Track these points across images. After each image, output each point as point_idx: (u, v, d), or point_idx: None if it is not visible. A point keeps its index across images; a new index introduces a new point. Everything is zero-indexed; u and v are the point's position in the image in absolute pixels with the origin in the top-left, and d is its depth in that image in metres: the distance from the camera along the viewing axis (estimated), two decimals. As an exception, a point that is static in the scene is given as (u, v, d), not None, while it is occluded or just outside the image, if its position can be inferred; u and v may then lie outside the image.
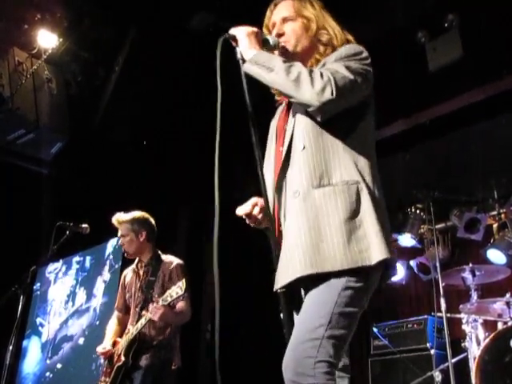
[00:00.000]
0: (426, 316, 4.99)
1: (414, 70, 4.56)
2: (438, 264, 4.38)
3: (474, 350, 4.09)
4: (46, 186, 6.14)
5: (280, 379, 1.65)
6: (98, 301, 6.42)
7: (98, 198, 6.32)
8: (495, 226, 5.48)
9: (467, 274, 4.45)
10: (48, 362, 6.73)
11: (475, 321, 4.22)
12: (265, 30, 2.05)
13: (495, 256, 5.16)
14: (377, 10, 4.77)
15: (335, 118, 1.75)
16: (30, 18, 4.79)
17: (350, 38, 2.00)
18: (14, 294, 3.45)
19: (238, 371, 6.09)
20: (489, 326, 4.27)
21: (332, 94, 1.67)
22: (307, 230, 1.67)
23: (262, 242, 1.90)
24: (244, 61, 1.85)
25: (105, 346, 3.55)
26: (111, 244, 6.56)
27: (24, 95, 5.01)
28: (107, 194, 6.30)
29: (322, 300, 1.62)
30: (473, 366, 3.98)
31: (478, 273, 4.44)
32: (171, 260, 3.63)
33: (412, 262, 5.88)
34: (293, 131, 1.83)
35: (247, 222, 2.00)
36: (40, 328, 7.12)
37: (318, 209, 1.68)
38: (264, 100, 1.93)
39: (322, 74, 1.70)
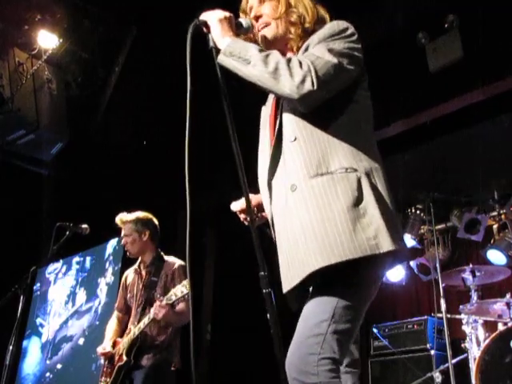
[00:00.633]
0: (426, 317, 4.98)
1: (414, 71, 4.56)
2: (438, 265, 4.38)
3: (474, 351, 4.08)
4: (46, 187, 6.14)
5: (275, 379, 1.64)
6: (100, 302, 6.42)
7: (97, 198, 6.33)
8: (495, 226, 5.47)
9: (467, 275, 4.45)
10: (48, 362, 6.73)
11: (475, 321, 4.22)
12: (241, 15, 1.92)
13: (495, 257, 5.15)
14: (377, 11, 4.77)
15: (325, 105, 1.63)
16: (31, 19, 4.80)
17: (323, 13, 1.87)
18: (14, 294, 3.45)
19: (233, 369, 6.09)
20: (489, 326, 4.27)
21: (313, 85, 1.55)
22: (309, 222, 1.57)
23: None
24: (217, 49, 1.73)
25: (105, 346, 3.55)
26: (111, 244, 6.56)
27: (24, 96, 5.01)
28: (107, 194, 6.30)
29: (325, 295, 1.56)
30: (473, 366, 3.97)
31: (478, 273, 4.44)
32: (173, 261, 3.64)
33: (412, 263, 5.87)
34: (281, 121, 1.71)
35: (241, 218, 1.94)
36: (40, 328, 7.11)
37: (318, 199, 1.57)
38: (243, 86, 1.77)
39: (301, 64, 1.57)
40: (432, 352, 4.65)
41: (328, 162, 1.61)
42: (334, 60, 1.60)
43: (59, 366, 6.56)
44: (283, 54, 1.74)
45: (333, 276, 1.56)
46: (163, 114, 5.78)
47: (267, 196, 1.77)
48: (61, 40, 4.97)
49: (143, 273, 3.65)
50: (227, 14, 1.76)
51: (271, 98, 1.91)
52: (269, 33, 1.83)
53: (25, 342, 7.14)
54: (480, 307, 4.32)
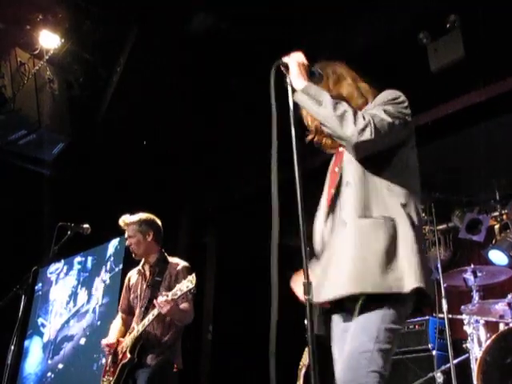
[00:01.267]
0: (427, 317, 4.97)
1: (416, 71, 4.56)
2: (439, 265, 4.38)
3: (476, 351, 4.08)
4: (47, 187, 6.15)
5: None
6: (96, 301, 6.42)
7: (99, 198, 6.33)
8: (497, 226, 5.46)
9: (469, 275, 4.44)
10: (49, 362, 6.73)
11: (477, 322, 4.21)
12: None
13: (497, 257, 5.14)
14: (378, 11, 4.77)
15: (377, 157, 1.94)
16: (32, 19, 4.80)
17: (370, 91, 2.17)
18: (15, 294, 3.45)
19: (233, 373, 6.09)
20: (490, 327, 4.26)
21: (371, 134, 1.85)
22: (353, 256, 1.85)
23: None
24: (292, 87, 1.97)
25: (109, 338, 3.56)
26: (113, 244, 6.57)
27: (26, 96, 5.02)
28: (109, 194, 6.30)
29: (372, 318, 1.84)
30: (474, 367, 3.97)
31: (479, 274, 4.43)
32: (178, 262, 3.64)
33: (413, 263, 5.87)
34: (341, 172, 2.02)
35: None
36: (41, 328, 7.12)
37: (363, 238, 1.87)
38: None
39: (363, 116, 1.88)
40: (433, 352, 4.64)
41: (372, 208, 1.91)
42: (389, 119, 1.92)
43: (61, 366, 6.56)
44: None
45: (375, 304, 1.84)
46: (164, 114, 5.78)
47: (322, 221, 2.07)
48: (62, 40, 4.98)
49: (147, 273, 3.66)
50: (305, 60, 2.05)
51: (332, 161, 2.22)
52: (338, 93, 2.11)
53: (26, 342, 7.15)
54: (481, 307, 4.32)
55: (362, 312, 1.87)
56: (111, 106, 5.50)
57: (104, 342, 3.56)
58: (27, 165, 5.94)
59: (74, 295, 6.91)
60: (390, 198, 1.93)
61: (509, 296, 4.18)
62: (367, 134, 1.85)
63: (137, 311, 3.57)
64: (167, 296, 3.22)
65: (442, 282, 4.27)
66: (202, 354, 6.12)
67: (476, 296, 4.37)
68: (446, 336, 4.20)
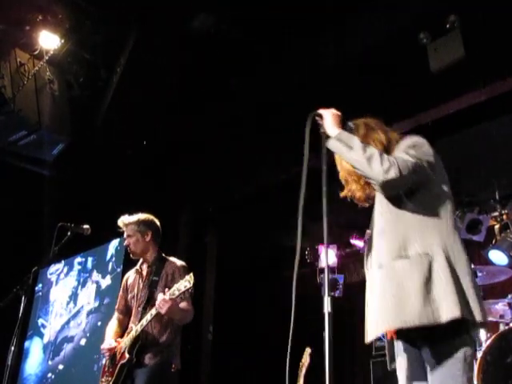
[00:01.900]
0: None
1: (416, 71, 4.56)
2: (439, 265, 4.36)
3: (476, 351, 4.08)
4: (47, 187, 6.15)
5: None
6: (102, 302, 6.43)
7: (99, 198, 6.33)
8: (497, 227, 5.46)
9: (469, 275, 4.44)
10: (50, 362, 6.74)
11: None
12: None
13: (497, 257, 5.14)
14: (379, 11, 4.77)
15: (407, 197, 2.14)
16: (32, 20, 4.80)
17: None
18: (15, 295, 3.45)
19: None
20: (491, 327, 4.26)
21: (396, 173, 2.05)
22: (392, 295, 2.03)
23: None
24: (326, 135, 2.21)
25: (109, 342, 3.56)
26: (113, 245, 6.57)
27: (26, 96, 5.02)
28: (109, 194, 6.31)
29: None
30: (475, 367, 3.97)
31: (479, 274, 4.44)
32: (174, 261, 3.66)
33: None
34: (373, 216, 2.23)
35: None
36: (42, 329, 7.12)
37: (400, 278, 2.04)
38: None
39: (389, 158, 2.09)
40: (434, 352, 4.64)
41: (406, 247, 2.09)
42: (411, 160, 2.12)
43: (61, 367, 6.57)
44: None
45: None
46: (164, 114, 5.79)
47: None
48: (62, 41, 4.98)
49: (144, 273, 3.67)
50: (339, 113, 2.28)
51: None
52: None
53: (27, 343, 7.15)
54: (482, 307, 4.31)
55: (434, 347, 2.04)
56: (111, 107, 5.50)
57: (104, 346, 3.56)
58: (27, 165, 5.94)
59: (74, 296, 6.91)
60: (425, 231, 2.10)
61: (509, 296, 4.19)
62: (392, 173, 2.04)
63: (134, 311, 3.58)
64: (165, 296, 3.22)
65: (442, 282, 4.26)
66: (203, 354, 6.12)
67: (476, 296, 4.37)
68: (446, 336, 4.19)
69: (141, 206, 3.90)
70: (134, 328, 3.42)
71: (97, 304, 6.48)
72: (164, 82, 5.45)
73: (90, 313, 6.55)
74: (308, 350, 4.49)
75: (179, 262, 3.64)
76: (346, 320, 6.59)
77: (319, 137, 2.22)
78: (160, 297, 3.24)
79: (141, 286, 3.62)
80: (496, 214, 5.51)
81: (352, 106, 2.48)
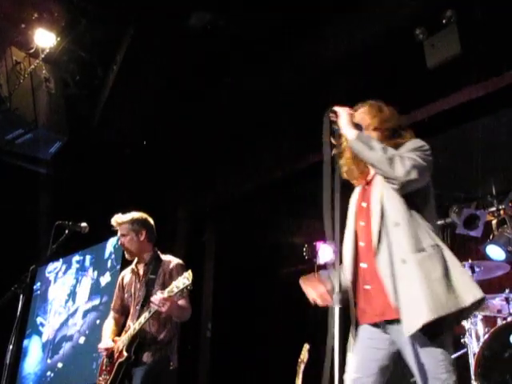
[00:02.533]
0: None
1: (412, 67, 4.56)
2: (437, 260, 4.37)
3: (474, 346, 4.09)
4: (44, 186, 6.14)
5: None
6: (101, 300, 6.42)
7: (97, 196, 6.33)
8: (494, 222, 5.47)
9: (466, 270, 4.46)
10: (49, 361, 6.74)
11: (475, 317, 4.22)
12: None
13: (494, 252, 5.15)
14: (375, 7, 4.77)
15: (415, 196, 2.30)
16: (28, 17, 4.78)
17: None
18: (13, 293, 3.44)
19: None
20: (488, 321, 4.27)
21: (415, 175, 2.22)
22: (421, 288, 2.12)
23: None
24: (340, 132, 2.35)
25: (107, 342, 3.56)
26: (111, 243, 6.57)
27: (22, 95, 5.01)
28: (106, 192, 6.30)
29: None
30: (472, 361, 3.98)
31: (477, 269, 4.44)
32: (171, 259, 3.65)
33: (412, 259, 5.88)
34: (382, 209, 2.30)
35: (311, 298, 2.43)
36: (40, 327, 7.12)
37: (423, 269, 2.15)
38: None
39: (408, 159, 2.24)
40: (432, 348, 4.65)
41: (421, 241, 2.22)
42: (424, 163, 2.29)
43: (60, 365, 6.57)
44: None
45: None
46: (161, 113, 5.77)
47: (350, 267, 2.39)
48: (58, 39, 4.96)
49: (141, 272, 3.65)
50: (352, 111, 2.41)
51: (357, 191, 2.54)
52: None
53: (25, 342, 7.15)
54: (479, 303, 4.32)
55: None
56: (108, 105, 5.49)
57: (102, 345, 3.56)
58: (24, 164, 5.93)
59: (72, 294, 6.91)
60: (428, 228, 2.26)
61: (506, 291, 4.20)
62: (413, 175, 2.22)
63: (132, 310, 3.57)
64: (163, 294, 3.21)
65: (439, 277, 4.27)
66: (201, 352, 6.12)
67: (474, 291, 4.38)
68: (444, 331, 4.20)
69: (138, 204, 3.90)
70: (132, 326, 3.42)
71: (96, 302, 6.48)
72: (161, 80, 5.44)
73: (88, 311, 6.55)
74: (306, 346, 4.50)
75: (176, 260, 3.63)
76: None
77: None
78: (158, 295, 3.24)
79: (138, 285, 3.61)
80: (493, 209, 5.51)
81: (349, 102, 2.48)
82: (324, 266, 5.30)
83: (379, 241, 2.28)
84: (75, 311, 6.75)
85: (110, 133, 5.76)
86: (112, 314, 3.78)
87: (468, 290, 2.14)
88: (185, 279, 3.20)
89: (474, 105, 4.40)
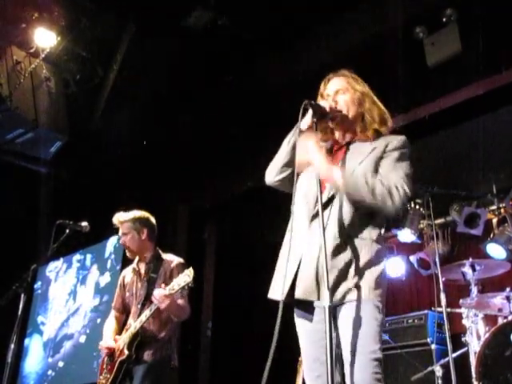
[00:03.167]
0: (426, 311, 4.99)
1: (413, 65, 4.55)
2: (437, 259, 4.38)
3: (475, 345, 4.09)
4: (45, 185, 6.14)
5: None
6: (101, 299, 6.43)
7: (97, 196, 6.33)
8: (495, 220, 5.48)
9: (467, 269, 4.45)
10: (50, 360, 6.74)
11: (475, 315, 4.23)
12: (319, 98, 2.46)
13: (495, 250, 5.16)
14: (375, 6, 4.76)
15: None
16: (28, 17, 4.79)
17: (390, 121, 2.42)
18: (14, 293, 3.45)
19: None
20: (489, 320, 4.27)
21: (403, 202, 2.15)
22: None
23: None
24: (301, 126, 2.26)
25: (107, 340, 3.56)
26: (111, 242, 6.57)
27: (22, 94, 5.01)
28: (107, 191, 6.30)
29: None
30: (473, 360, 3.98)
31: (477, 267, 4.44)
32: (172, 258, 3.64)
33: (412, 258, 5.88)
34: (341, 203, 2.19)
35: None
36: (41, 327, 7.13)
37: None
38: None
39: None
40: (432, 346, 4.66)
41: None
42: (410, 186, 2.19)
43: (61, 364, 6.58)
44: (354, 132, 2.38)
45: None
46: (161, 112, 5.77)
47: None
48: (59, 38, 4.97)
49: (142, 271, 3.65)
50: (331, 102, 2.36)
51: (327, 147, 2.40)
52: (344, 115, 2.36)
53: (26, 341, 7.15)
54: (480, 301, 4.33)
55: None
56: (108, 104, 5.49)
57: (103, 344, 3.56)
58: (25, 163, 5.93)
59: (73, 293, 6.92)
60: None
61: (507, 289, 4.19)
62: (401, 203, 2.14)
63: (133, 309, 3.57)
64: (164, 290, 3.21)
65: (440, 275, 4.28)
66: (201, 351, 6.13)
67: (474, 290, 4.39)
68: (444, 330, 4.21)
69: (139, 203, 3.90)
70: (133, 324, 3.42)
71: (96, 301, 6.48)
72: (161, 79, 5.44)
73: (89, 310, 6.55)
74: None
75: (177, 259, 3.63)
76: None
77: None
78: (158, 291, 3.24)
79: (139, 284, 3.61)
80: (494, 207, 5.51)
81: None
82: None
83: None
84: (76, 310, 6.75)
85: (110, 132, 5.77)
86: (113, 312, 3.78)
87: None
88: (186, 276, 3.19)
89: (475, 103, 4.40)
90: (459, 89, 4.43)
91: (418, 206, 5.69)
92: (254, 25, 4.97)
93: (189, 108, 5.88)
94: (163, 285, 3.29)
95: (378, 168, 2.24)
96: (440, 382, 4.19)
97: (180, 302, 3.40)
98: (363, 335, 2.03)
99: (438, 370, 4.24)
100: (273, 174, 2.41)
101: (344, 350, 2.05)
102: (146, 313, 3.33)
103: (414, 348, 4.87)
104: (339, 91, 2.42)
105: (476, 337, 4.14)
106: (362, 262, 2.11)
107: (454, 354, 4.09)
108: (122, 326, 3.64)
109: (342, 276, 2.08)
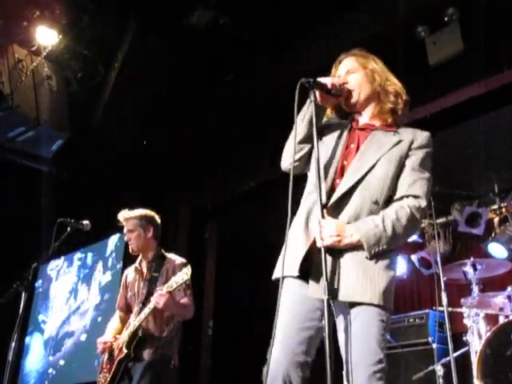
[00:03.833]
0: (427, 310, 4.99)
1: (414, 65, 4.55)
2: (439, 258, 4.38)
3: (476, 344, 4.09)
4: (46, 183, 6.14)
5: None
6: (102, 298, 6.43)
7: (98, 194, 6.33)
8: (496, 220, 5.48)
9: (468, 268, 4.45)
10: (51, 358, 6.75)
11: (477, 315, 4.22)
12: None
13: (496, 250, 5.15)
14: (377, 5, 4.76)
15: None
16: (30, 15, 4.78)
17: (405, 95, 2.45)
18: (15, 291, 3.45)
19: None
20: (490, 319, 4.27)
21: (424, 216, 2.15)
22: None
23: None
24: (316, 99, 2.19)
25: (105, 337, 3.56)
26: (112, 241, 6.57)
27: (24, 93, 5.01)
28: (108, 190, 6.30)
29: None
30: (474, 359, 3.98)
31: (479, 267, 4.44)
32: (174, 258, 3.64)
33: (413, 257, 5.88)
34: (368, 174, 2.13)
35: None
36: (42, 325, 7.13)
37: None
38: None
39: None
40: (433, 345, 4.66)
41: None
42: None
43: (62, 362, 6.58)
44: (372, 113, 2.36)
45: None
46: (163, 110, 5.77)
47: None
48: (60, 36, 4.96)
49: (144, 270, 3.66)
50: (342, 80, 2.34)
51: (347, 128, 2.34)
52: (356, 97, 2.33)
53: (27, 339, 7.16)
54: (481, 300, 4.33)
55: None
56: (110, 102, 5.49)
57: (99, 339, 3.56)
58: (26, 162, 5.93)
59: (74, 291, 6.92)
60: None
61: (508, 289, 4.19)
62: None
63: (135, 308, 3.57)
64: (162, 290, 3.21)
65: (441, 275, 4.28)
66: (202, 350, 6.13)
67: (476, 289, 4.39)
68: (445, 329, 4.21)
69: (140, 202, 3.90)
70: (133, 322, 3.42)
71: (97, 300, 6.49)
72: (162, 78, 5.44)
73: (90, 308, 6.56)
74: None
75: (179, 259, 3.63)
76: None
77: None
78: (157, 292, 3.24)
79: (141, 284, 3.61)
80: (495, 207, 5.51)
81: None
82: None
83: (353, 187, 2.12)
84: (77, 308, 6.76)
85: (112, 131, 5.76)
86: (117, 312, 3.78)
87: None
88: (183, 274, 3.20)
89: (476, 102, 4.39)
90: (461, 88, 4.42)
91: (419, 206, 5.67)
92: (255, 25, 4.96)
93: (189, 108, 5.87)
94: (162, 287, 3.29)
95: (402, 168, 2.20)
96: (441, 381, 4.19)
97: (184, 300, 3.40)
98: (368, 341, 1.91)
99: (439, 370, 4.24)
100: (290, 154, 2.23)
101: (347, 354, 1.94)
102: (145, 311, 3.32)
103: (415, 347, 4.87)
104: (349, 71, 2.38)
105: (477, 336, 4.14)
106: (372, 263, 2.00)
107: (455, 354, 4.08)
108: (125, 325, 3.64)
109: (351, 275, 1.98)
